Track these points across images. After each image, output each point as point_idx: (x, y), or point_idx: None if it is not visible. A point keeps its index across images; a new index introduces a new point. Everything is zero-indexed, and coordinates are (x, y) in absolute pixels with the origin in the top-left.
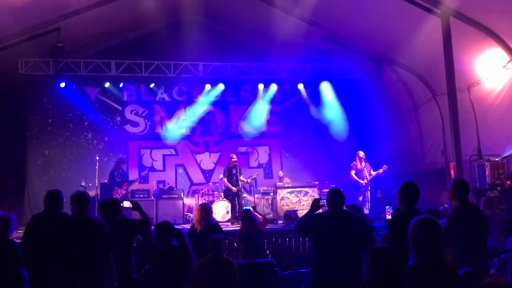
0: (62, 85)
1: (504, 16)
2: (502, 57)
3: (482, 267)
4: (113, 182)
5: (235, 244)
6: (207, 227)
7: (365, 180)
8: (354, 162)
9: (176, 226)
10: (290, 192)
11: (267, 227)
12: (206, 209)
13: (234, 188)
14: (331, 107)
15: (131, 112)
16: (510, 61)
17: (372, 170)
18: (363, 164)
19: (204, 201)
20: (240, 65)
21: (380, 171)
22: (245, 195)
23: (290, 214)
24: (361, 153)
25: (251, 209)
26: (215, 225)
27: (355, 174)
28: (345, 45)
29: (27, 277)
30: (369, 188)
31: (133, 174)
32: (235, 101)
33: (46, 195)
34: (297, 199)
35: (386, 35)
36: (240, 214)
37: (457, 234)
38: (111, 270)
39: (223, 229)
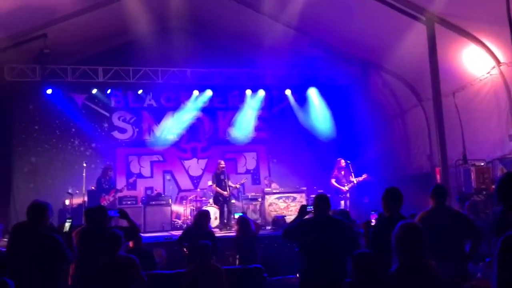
0: (49, 91)
1: (487, 22)
2: (487, 62)
3: (461, 270)
4: (101, 189)
5: (227, 252)
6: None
7: (346, 186)
8: (334, 170)
9: (164, 233)
10: (278, 198)
11: None
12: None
13: (225, 192)
14: (319, 113)
15: (118, 119)
16: (494, 67)
17: (352, 177)
18: (342, 172)
19: (192, 207)
20: (227, 71)
21: (360, 179)
22: (233, 201)
23: (278, 220)
24: (342, 162)
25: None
26: (210, 232)
27: (335, 181)
28: (331, 51)
29: (13, 286)
30: (348, 195)
31: (121, 181)
32: (223, 107)
33: (28, 206)
34: (285, 204)
35: (372, 41)
36: (237, 220)
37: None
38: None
39: None
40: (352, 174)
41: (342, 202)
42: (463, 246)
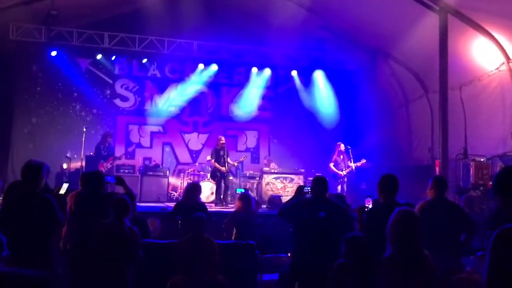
0: (54, 53)
1: (501, 18)
2: (497, 58)
3: (455, 262)
4: (99, 155)
5: (225, 226)
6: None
7: (344, 171)
8: (333, 154)
9: (160, 204)
10: (276, 178)
11: None
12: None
13: (223, 168)
14: (323, 96)
15: (121, 87)
16: (503, 63)
17: (351, 162)
18: (341, 157)
19: (189, 181)
20: (235, 47)
21: (359, 164)
22: (230, 177)
23: (274, 199)
24: (342, 146)
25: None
26: (202, 204)
27: (333, 166)
28: (341, 35)
29: (5, 242)
30: (346, 180)
31: (119, 149)
32: (228, 83)
33: (23, 166)
34: (282, 185)
35: (383, 29)
36: (239, 196)
37: (423, 227)
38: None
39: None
40: (351, 159)
41: (339, 187)
42: (459, 239)
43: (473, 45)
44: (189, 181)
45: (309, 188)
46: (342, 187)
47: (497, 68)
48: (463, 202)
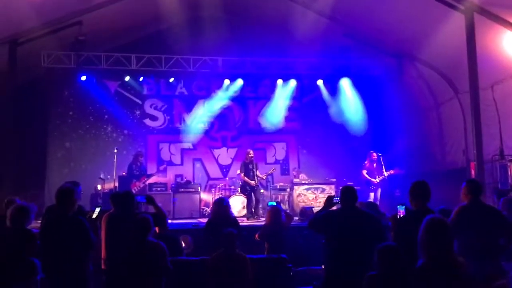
0: (83, 78)
1: None
2: None
3: (494, 267)
4: (131, 175)
5: (257, 238)
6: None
7: (377, 179)
8: (366, 162)
9: (192, 220)
10: (307, 189)
11: None
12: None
13: (252, 182)
14: (350, 104)
15: (150, 106)
16: None
17: (384, 170)
18: (374, 165)
19: (220, 195)
20: (259, 60)
21: (392, 172)
22: (262, 190)
23: (306, 211)
24: (374, 155)
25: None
26: (233, 219)
27: (366, 173)
28: (365, 41)
29: (40, 266)
30: (379, 187)
31: (151, 168)
32: (254, 97)
33: (56, 191)
34: (314, 196)
35: (408, 31)
36: (269, 209)
37: (460, 233)
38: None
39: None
40: (383, 167)
41: (372, 194)
42: (498, 243)
43: (503, 42)
44: (220, 196)
45: (338, 198)
46: (375, 195)
47: None
48: (502, 204)
